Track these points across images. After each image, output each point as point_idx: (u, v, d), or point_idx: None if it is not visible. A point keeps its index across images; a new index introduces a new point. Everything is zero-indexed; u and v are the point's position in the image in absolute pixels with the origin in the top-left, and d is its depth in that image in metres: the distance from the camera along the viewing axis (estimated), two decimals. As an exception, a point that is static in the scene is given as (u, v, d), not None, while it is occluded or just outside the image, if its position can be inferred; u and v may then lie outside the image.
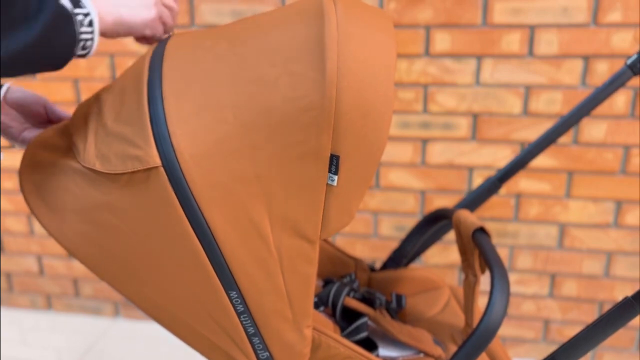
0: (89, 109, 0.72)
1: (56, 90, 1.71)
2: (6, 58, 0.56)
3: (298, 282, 0.66)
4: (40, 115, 0.85)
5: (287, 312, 0.67)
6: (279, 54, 0.61)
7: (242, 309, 0.66)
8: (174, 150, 0.60)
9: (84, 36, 0.65)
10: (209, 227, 0.61)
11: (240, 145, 0.60)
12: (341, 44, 0.59)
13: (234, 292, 0.65)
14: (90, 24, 0.65)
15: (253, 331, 0.68)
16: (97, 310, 1.98)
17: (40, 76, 1.70)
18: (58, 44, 0.62)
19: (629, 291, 0.70)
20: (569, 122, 0.98)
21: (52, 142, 0.73)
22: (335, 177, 0.61)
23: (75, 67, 1.67)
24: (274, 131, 0.60)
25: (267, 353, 0.69)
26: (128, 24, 0.72)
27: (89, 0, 0.65)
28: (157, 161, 0.60)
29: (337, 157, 0.60)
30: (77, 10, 0.63)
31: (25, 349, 1.82)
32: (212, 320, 0.68)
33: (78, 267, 1.93)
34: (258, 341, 0.68)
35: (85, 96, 1.70)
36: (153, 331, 1.88)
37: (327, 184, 0.62)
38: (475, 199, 1.06)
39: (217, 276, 0.64)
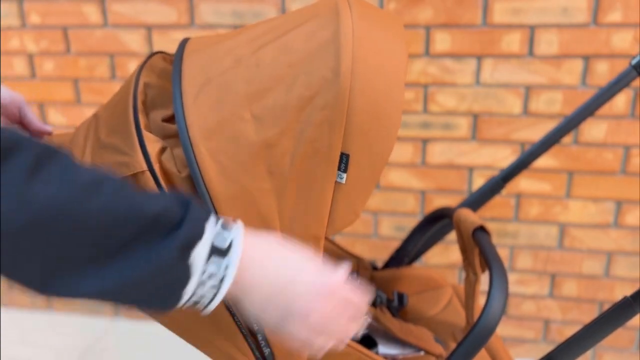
0: (88, 126, 0.73)
1: (56, 90, 1.71)
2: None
3: None
4: (13, 116, 0.83)
5: None
6: (295, 54, 0.62)
7: None
8: (191, 144, 0.61)
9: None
10: None
11: (256, 141, 0.61)
12: (356, 46, 0.60)
13: None
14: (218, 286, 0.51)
15: (257, 328, 0.68)
16: (97, 310, 1.98)
17: (40, 75, 1.70)
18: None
19: (629, 291, 0.70)
20: (573, 122, 0.98)
21: None
22: (344, 175, 0.63)
23: (75, 67, 1.67)
24: (289, 129, 0.61)
25: (269, 349, 0.69)
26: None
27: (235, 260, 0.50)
28: (142, 166, 0.61)
29: (347, 156, 0.62)
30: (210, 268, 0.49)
31: (25, 348, 1.82)
32: (211, 322, 0.68)
33: (78, 267, 1.93)
34: (261, 338, 0.68)
35: (85, 96, 1.70)
36: (153, 331, 1.88)
37: (336, 181, 0.63)
38: (478, 199, 1.06)
39: None
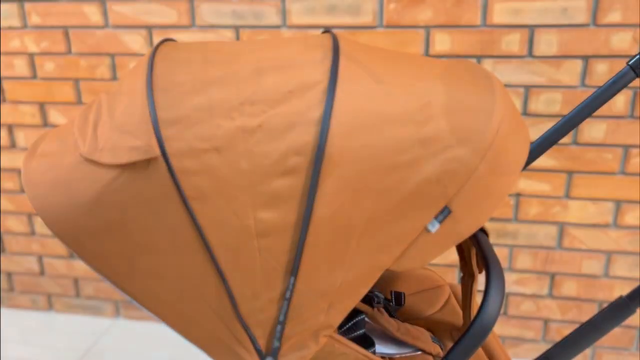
0: (93, 106, 0.72)
1: (57, 90, 1.71)
2: None
3: (349, 297, 0.66)
4: None
5: (321, 317, 0.67)
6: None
7: (289, 295, 0.66)
8: (327, 133, 0.60)
9: None
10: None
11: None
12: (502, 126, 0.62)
13: (293, 278, 0.65)
14: None
15: (282, 319, 0.68)
16: (97, 310, 1.99)
17: (41, 76, 1.70)
18: None
19: (628, 291, 0.70)
20: (571, 123, 0.98)
21: (47, 146, 0.73)
22: (437, 226, 0.63)
23: (75, 67, 1.67)
24: (414, 161, 0.62)
25: (278, 344, 0.69)
26: None
27: None
28: (156, 151, 0.60)
29: (450, 212, 0.62)
30: None
31: (25, 349, 1.82)
32: (211, 311, 0.68)
33: (79, 267, 1.94)
34: (280, 329, 0.68)
35: (85, 96, 1.70)
36: (154, 331, 1.88)
37: (426, 227, 0.63)
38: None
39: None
